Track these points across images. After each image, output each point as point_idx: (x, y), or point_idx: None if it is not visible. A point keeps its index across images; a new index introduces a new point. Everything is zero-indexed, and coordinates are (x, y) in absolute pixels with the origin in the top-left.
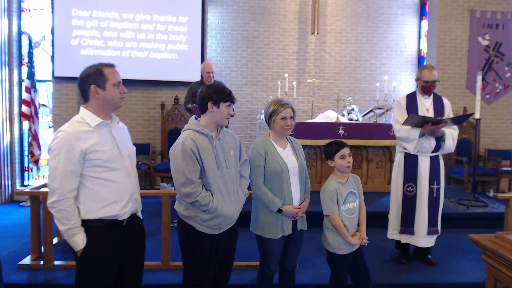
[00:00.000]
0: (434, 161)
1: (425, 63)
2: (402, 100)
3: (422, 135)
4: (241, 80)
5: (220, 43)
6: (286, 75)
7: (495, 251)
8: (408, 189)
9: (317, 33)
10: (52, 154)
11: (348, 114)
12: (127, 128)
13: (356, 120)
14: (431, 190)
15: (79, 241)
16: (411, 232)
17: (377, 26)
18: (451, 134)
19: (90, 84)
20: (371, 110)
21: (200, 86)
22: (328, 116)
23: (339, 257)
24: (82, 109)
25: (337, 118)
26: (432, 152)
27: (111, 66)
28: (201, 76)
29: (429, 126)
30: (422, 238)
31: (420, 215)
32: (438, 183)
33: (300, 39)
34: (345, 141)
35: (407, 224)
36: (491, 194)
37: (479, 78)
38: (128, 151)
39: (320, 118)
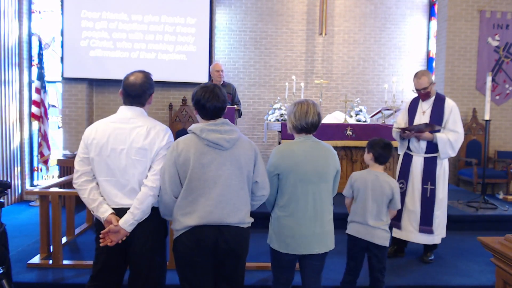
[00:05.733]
0: (428, 162)
1: (433, 65)
2: (407, 102)
3: (403, 138)
4: (249, 81)
5: (228, 44)
6: (293, 77)
7: (505, 254)
8: (400, 185)
9: (325, 34)
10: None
11: (356, 115)
12: None
13: (364, 121)
14: (424, 190)
15: None
16: (398, 227)
17: (385, 27)
18: (447, 139)
19: (151, 92)
20: (379, 111)
21: None
22: (336, 117)
23: (351, 238)
24: (145, 112)
25: (345, 119)
26: (427, 153)
27: None
28: (209, 77)
29: (404, 133)
30: (412, 234)
31: (410, 212)
32: (433, 184)
33: (308, 40)
34: (352, 142)
35: (394, 218)
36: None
37: (489, 79)
38: None
39: (328, 119)
